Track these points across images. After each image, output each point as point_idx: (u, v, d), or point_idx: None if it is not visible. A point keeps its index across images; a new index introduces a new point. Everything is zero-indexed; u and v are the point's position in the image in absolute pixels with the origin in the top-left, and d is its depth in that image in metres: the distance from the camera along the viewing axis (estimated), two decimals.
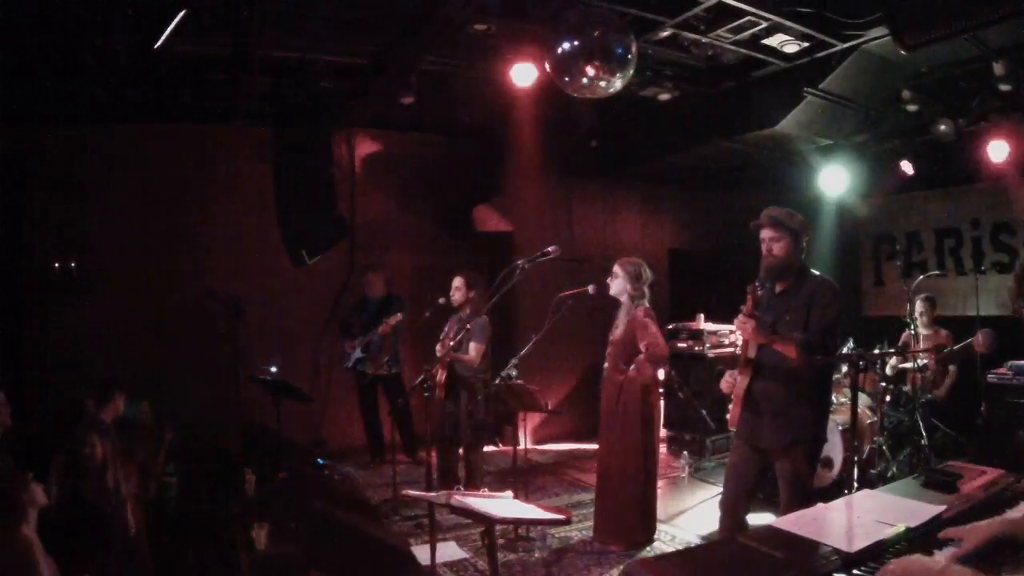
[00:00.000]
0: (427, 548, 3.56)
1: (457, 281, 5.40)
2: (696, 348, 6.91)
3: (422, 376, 4.88)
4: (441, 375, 5.23)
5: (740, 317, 3.34)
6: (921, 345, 5.91)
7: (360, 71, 5.76)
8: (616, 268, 4.69)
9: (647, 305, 4.62)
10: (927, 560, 1.33)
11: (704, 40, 5.05)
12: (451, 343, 5.15)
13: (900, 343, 6.11)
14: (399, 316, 6.15)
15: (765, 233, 3.46)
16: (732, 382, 3.52)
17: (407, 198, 7.78)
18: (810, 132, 6.10)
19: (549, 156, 7.73)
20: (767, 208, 3.52)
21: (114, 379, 4.22)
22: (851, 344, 5.50)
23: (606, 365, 4.73)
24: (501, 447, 7.42)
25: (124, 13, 4.45)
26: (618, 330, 4.67)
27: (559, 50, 4.31)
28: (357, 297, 6.97)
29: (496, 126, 7.31)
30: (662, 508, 4.87)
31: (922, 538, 1.70)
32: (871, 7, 4.48)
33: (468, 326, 5.11)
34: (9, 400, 4.26)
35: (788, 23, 4.70)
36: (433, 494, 3.16)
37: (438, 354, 5.34)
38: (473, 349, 5.19)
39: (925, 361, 5.76)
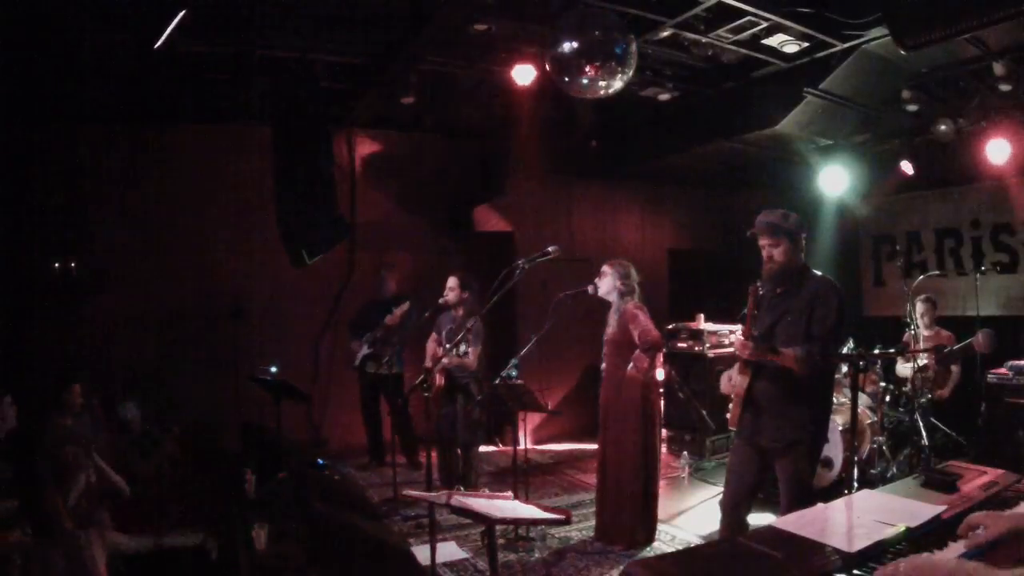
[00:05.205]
0: (427, 548, 3.57)
1: (451, 281, 5.40)
2: (696, 348, 6.91)
3: (422, 377, 4.89)
4: (440, 378, 5.24)
5: (739, 339, 3.39)
6: (921, 345, 5.90)
7: (360, 71, 5.76)
8: (604, 267, 4.72)
9: (636, 300, 4.64)
10: (936, 558, 1.33)
11: (704, 40, 5.05)
12: (448, 346, 5.16)
13: (902, 343, 6.10)
14: (406, 305, 6.16)
15: (763, 240, 3.43)
16: (731, 382, 3.52)
17: (407, 198, 7.78)
18: (810, 132, 6.09)
19: (549, 156, 7.72)
20: (762, 213, 3.46)
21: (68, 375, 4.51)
22: (851, 344, 5.50)
23: (604, 365, 4.73)
24: (501, 447, 7.42)
25: (124, 12, 4.45)
26: (611, 328, 4.67)
27: (559, 50, 4.31)
28: (365, 299, 6.91)
29: (496, 126, 7.31)
30: (662, 508, 4.86)
31: (934, 532, 1.70)
32: (871, 7, 4.48)
33: (468, 325, 5.12)
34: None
35: (788, 23, 4.70)
36: (433, 494, 3.16)
37: (428, 351, 5.46)
38: (471, 352, 5.22)
39: (926, 361, 5.76)
